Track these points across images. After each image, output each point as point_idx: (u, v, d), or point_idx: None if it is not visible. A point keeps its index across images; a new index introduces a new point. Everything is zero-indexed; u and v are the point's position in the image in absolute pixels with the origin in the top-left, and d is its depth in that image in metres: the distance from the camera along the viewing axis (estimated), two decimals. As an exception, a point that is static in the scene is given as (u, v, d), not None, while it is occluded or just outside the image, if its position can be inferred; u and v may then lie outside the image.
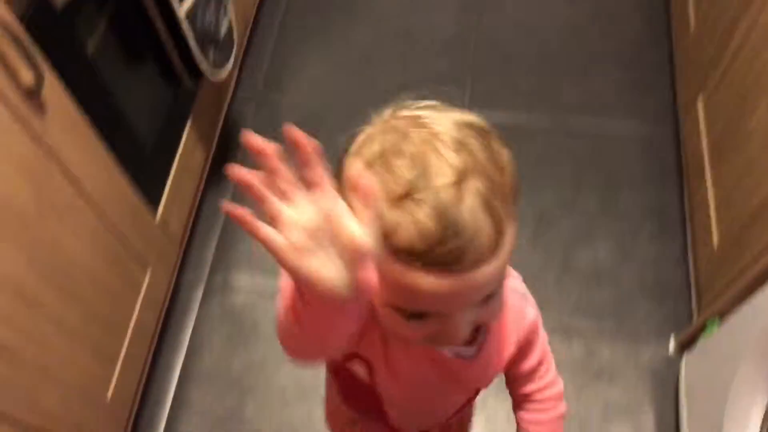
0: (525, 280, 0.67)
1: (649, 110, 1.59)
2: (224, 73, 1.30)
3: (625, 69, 1.66)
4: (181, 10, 1.10)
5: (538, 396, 0.71)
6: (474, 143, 0.46)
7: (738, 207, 1.09)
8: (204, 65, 1.21)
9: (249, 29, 1.69)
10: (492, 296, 0.50)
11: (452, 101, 0.52)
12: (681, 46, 1.51)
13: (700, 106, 1.31)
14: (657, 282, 1.36)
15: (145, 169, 1.15)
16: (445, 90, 0.52)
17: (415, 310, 0.49)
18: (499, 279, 0.49)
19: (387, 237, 0.44)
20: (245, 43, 1.66)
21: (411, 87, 0.53)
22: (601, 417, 1.23)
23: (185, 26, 1.12)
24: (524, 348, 0.66)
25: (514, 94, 1.63)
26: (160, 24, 1.14)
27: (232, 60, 1.32)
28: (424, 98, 0.51)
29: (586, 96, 1.62)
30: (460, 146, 0.45)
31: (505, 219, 0.46)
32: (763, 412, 0.81)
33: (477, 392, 0.70)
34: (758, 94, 1.04)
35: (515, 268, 0.58)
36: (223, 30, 1.27)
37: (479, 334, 0.59)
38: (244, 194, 0.41)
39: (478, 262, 0.45)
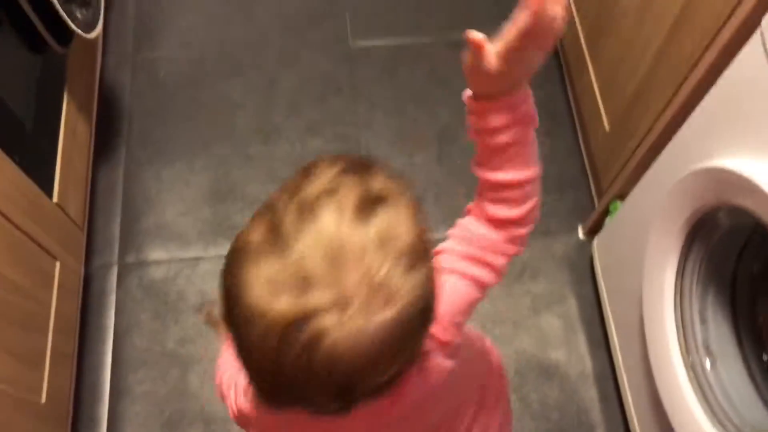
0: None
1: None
2: (96, 31, 1.20)
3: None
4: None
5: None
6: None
7: (621, 88, 1.16)
8: (72, 25, 1.11)
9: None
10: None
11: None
12: None
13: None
14: (557, 176, 1.43)
15: (31, 151, 1.07)
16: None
17: None
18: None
19: None
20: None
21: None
22: (530, 311, 1.31)
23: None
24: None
25: (395, 18, 1.62)
26: None
27: (101, 18, 1.23)
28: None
29: (464, 8, 1.63)
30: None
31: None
32: (675, 271, 0.89)
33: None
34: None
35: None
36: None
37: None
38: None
39: None
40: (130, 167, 1.44)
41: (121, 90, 1.51)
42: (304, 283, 0.43)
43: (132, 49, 1.58)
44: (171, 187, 1.42)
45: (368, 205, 0.45)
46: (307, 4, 1.64)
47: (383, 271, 0.44)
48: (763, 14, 0.71)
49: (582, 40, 1.32)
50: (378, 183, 0.47)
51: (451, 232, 0.60)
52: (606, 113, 1.24)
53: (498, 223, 0.58)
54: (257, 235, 0.46)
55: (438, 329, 0.54)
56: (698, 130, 0.87)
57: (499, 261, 0.59)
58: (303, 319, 0.42)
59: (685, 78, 0.93)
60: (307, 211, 0.45)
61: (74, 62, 1.27)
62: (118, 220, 1.39)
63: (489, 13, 1.55)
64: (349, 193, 0.45)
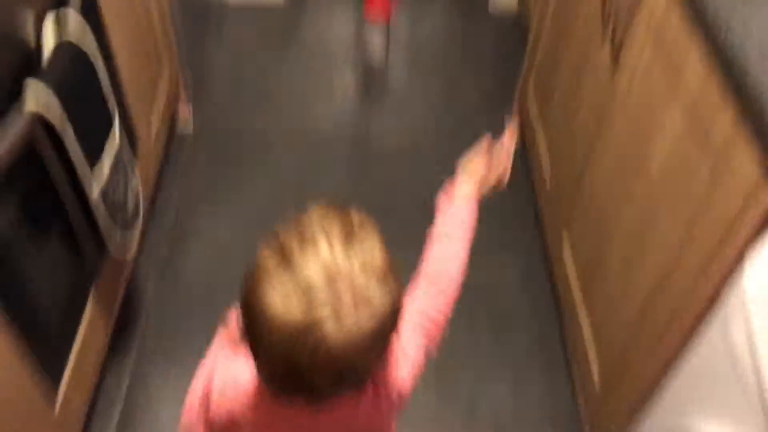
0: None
1: (522, 249, 1.79)
2: (132, 250, 1.34)
3: (489, 212, 1.87)
4: (94, 192, 1.16)
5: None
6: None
7: (610, 341, 1.23)
8: (112, 244, 1.25)
9: (149, 195, 1.75)
10: None
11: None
12: (541, 194, 1.74)
13: (566, 245, 1.50)
14: (551, 420, 1.47)
15: (45, 352, 1.11)
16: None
17: None
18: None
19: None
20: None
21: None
22: None
23: (96, 207, 1.17)
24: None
25: (399, 246, 1.78)
26: (70, 204, 1.15)
27: (137, 235, 1.38)
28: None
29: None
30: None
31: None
32: None
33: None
34: (611, 231, 1.24)
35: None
36: (131, 206, 1.33)
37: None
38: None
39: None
40: (137, 374, 1.49)
41: (143, 293, 1.62)
42: (309, 299, 0.59)
43: (164, 261, 1.71)
44: (175, 395, 1.47)
45: (350, 234, 0.63)
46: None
47: (367, 290, 0.61)
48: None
49: (574, 288, 1.44)
50: (355, 218, 0.66)
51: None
52: (596, 362, 1.30)
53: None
54: (271, 261, 0.62)
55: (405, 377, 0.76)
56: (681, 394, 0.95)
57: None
58: (310, 327, 0.59)
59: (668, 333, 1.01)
60: (308, 241, 0.62)
61: (107, 271, 1.35)
62: (115, 422, 1.41)
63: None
64: (335, 226, 0.63)
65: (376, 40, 2.31)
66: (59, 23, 1.06)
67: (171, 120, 1.95)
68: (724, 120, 0.85)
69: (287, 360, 0.60)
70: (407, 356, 0.78)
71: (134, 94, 1.53)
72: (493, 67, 2.36)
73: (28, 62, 1.02)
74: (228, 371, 0.79)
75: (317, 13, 2.55)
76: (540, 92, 1.78)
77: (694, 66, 0.93)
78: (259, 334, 0.62)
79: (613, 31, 1.21)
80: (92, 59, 1.14)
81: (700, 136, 0.91)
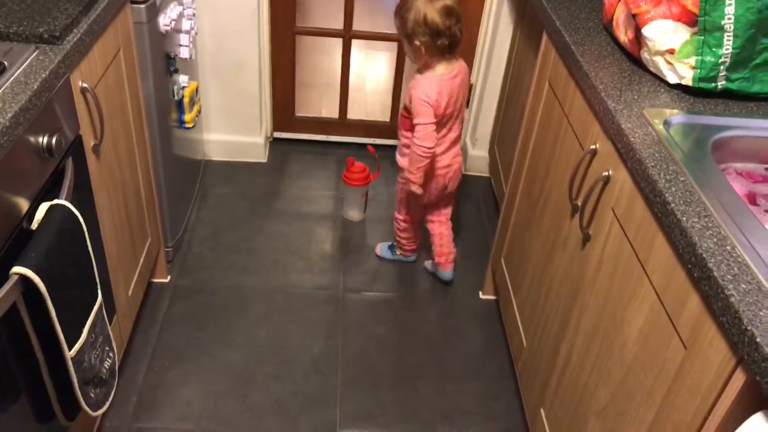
0: None
1: (501, 417, 1.77)
2: (103, 408, 1.32)
3: (474, 379, 1.87)
4: (70, 352, 1.15)
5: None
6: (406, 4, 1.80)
7: None
8: (85, 405, 1.22)
9: (122, 352, 1.73)
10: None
11: None
12: (518, 360, 1.75)
13: (543, 417, 1.50)
14: None
15: None
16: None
17: None
18: (399, 34, 1.87)
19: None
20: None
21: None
22: None
23: (71, 368, 1.16)
24: (411, 106, 1.84)
25: (382, 412, 1.76)
26: (43, 364, 1.16)
27: (111, 396, 1.35)
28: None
29: (447, 407, 1.78)
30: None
31: (397, 16, 1.85)
32: None
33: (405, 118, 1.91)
34: (585, 413, 1.25)
35: None
36: (107, 366, 1.32)
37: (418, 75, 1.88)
38: None
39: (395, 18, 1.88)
40: None
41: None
42: (445, 11, 1.76)
43: (131, 418, 1.68)
44: None
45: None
46: (304, 390, 1.80)
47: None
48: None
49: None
50: None
51: None
52: None
53: None
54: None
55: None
56: None
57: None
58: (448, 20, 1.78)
59: None
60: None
61: (76, 421, 1.33)
62: None
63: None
64: None
65: (353, 201, 2.41)
66: (51, 210, 1.11)
67: (150, 275, 1.97)
68: (692, 301, 0.90)
69: (442, 27, 1.75)
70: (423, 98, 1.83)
71: (117, 261, 1.58)
72: (467, 229, 2.46)
73: (18, 235, 1.05)
74: (421, 89, 1.82)
75: (298, 170, 2.68)
76: (512, 262, 1.86)
77: (661, 247, 0.99)
78: (430, 28, 1.75)
79: (582, 208, 1.29)
80: (80, 234, 1.19)
81: (673, 314, 0.95)
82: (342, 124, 2.83)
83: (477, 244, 2.38)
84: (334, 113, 2.83)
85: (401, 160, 1.99)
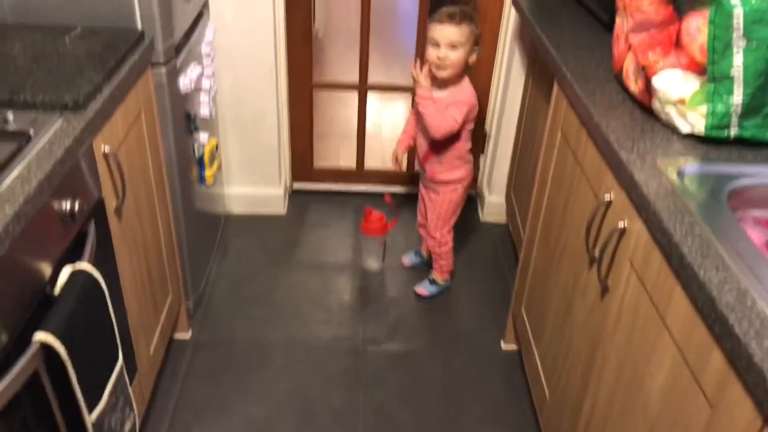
0: None
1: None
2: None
3: (497, 426, 1.84)
4: (91, 417, 1.16)
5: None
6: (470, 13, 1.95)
7: None
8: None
9: (144, 409, 1.73)
10: (454, 48, 1.91)
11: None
12: (542, 412, 1.72)
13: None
14: None
15: None
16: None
17: (432, 40, 1.93)
18: (457, 41, 1.91)
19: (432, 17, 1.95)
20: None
21: None
22: None
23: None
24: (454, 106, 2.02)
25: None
26: (63, 428, 1.17)
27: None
28: None
29: None
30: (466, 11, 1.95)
31: (466, 23, 1.92)
32: None
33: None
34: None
35: None
36: (128, 428, 1.32)
37: (450, 90, 2.01)
38: None
39: (453, 24, 1.90)
40: None
41: None
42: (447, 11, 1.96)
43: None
44: None
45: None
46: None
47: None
48: None
49: None
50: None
51: None
52: None
53: None
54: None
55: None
56: None
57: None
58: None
59: None
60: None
61: None
62: None
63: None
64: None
65: (372, 250, 2.42)
66: (73, 275, 1.13)
67: (171, 331, 1.98)
68: (715, 358, 0.88)
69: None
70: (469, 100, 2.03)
71: (139, 320, 1.60)
72: (486, 276, 2.45)
73: (41, 301, 1.07)
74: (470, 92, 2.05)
75: (317, 220, 2.70)
76: (533, 311, 1.84)
77: (680, 301, 0.98)
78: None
79: (599, 258, 1.29)
80: (101, 298, 1.21)
81: (696, 370, 0.93)
82: (359, 173, 2.86)
83: (497, 292, 2.36)
84: (351, 163, 2.87)
85: (448, 175, 2.13)
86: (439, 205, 2.19)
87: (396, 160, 2.23)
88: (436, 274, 2.33)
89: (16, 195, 0.99)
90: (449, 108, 1.98)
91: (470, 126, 2.07)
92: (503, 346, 2.14)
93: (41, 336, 0.99)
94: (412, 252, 2.49)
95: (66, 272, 1.12)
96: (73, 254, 1.19)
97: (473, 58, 1.98)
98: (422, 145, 2.13)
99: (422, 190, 2.29)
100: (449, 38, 1.90)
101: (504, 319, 2.17)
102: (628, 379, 1.16)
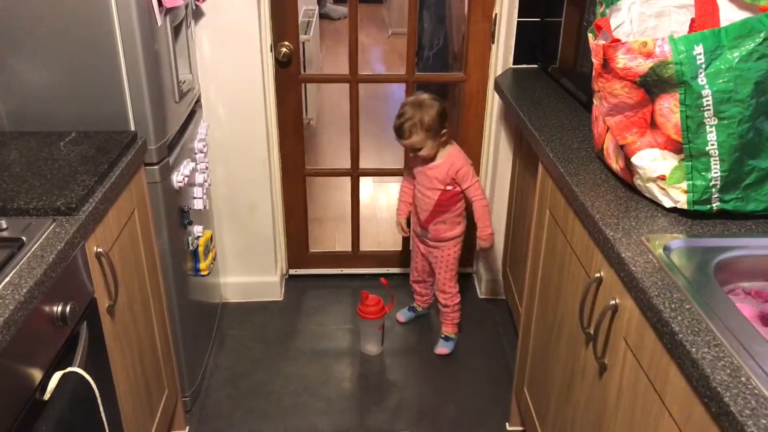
0: None
1: None
2: None
3: None
4: None
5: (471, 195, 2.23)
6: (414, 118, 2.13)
7: None
8: None
9: None
10: (419, 149, 2.16)
11: None
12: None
13: None
14: None
15: None
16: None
17: (407, 145, 2.20)
18: (416, 145, 2.15)
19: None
20: None
21: None
22: None
23: None
24: (458, 179, 2.20)
25: None
26: None
27: None
28: None
29: None
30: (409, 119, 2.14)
31: (414, 133, 2.13)
32: None
33: (442, 192, 2.22)
34: None
35: None
36: None
37: (439, 160, 2.20)
38: None
39: (404, 139, 2.15)
40: None
41: None
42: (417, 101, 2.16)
43: None
44: None
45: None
46: None
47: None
48: None
49: None
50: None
51: None
52: None
53: None
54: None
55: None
56: None
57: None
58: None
59: None
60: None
61: None
62: None
63: None
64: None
65: (370, 335, 2.40)
66: (64, 379, 1.12)
67: (168, 428, 1.93)
68: (715, 437, 0.86)
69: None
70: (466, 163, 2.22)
71: (133, 420, 1.57)
72: (487, 354, 2.42)
73: (31, 407, 1.05)
74: (462, 157, 2.25)
75: (314, 306, 2.69)
76: (535, 390, 1.81)
77: (676, 379, 0.97)
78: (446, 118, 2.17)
79: (594, 336, 1.28)
80: (93, 402, 1.19)
81: (697, 452, 0.91)
82: (355, 256, 2.87)
83: (499, 371, 2.32)
84: (347, 246, 2.88)
85: (452, 233, 2.29)
86: (446, 261, 2.34)
87: (402, 228, 2.42)
88: (448, 330, 2.44)
89: (7, 302, 0.99)
90: (467, 188, 2.22)
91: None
92: (509, 427, 2.09)
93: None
94: (405, 309, 2.59)
95: (56, 377, 1.11)
96: (64, 357, 1.18)
97: (443, 137, 2.17)
98: (424, 210, 2.27)
99: (420, 248, 2.39)
100: (409, 146, 2.18)
101: (508, 399, 2.12)
102: (633, 461, 1.13)
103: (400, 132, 2.14)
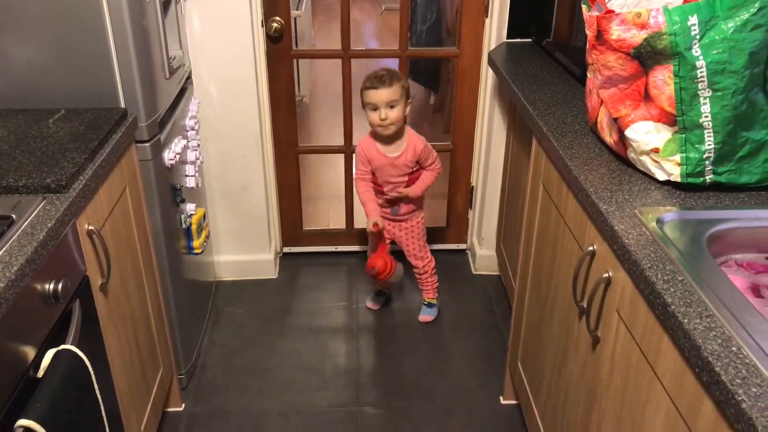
0: None
1: None
2: None
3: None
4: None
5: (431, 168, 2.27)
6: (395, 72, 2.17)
7: None
8: None
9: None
10: (392, 106, 2.11)
11: None
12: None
13: None
14: None
15: None
16: None
17: (371, 105, 2.12)
18: (393, 100, 2.10)
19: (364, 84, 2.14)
20: None
21: None
22: None
23: None
24: (422, 159, 2.22)
25: None
26: None
27: None
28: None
29: None
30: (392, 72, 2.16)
31: (396, 82, 2.11)
32: None
33: (409, 175, 2.25)
34: None
35: None
36: None
37: (401, 146, 2.21)
38: None
39: (385, 87, 2.09)
40: None
41: None
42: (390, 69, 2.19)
43: None
44: None
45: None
46: None
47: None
48: None
49: None
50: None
51: None
52: None
53: None
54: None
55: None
56: None
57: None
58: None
59: None
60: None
61: None
62: None
63: None
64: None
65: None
66: (57, 356, 1.12)
67: (163, 405, 1.94)
68: (706, 407, 0.87)
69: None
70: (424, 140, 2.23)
71: (128, 397, 1.57)
72: (482, 330, 2.43)
73: (25, 385, 1.06)
74: (362, 143, 2.22)
75: (309, 284, 2.69)
76: (529, 365, 1.82)
77: (668, 350, 0.97)
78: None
79: (588, 309, 1.28)
80: (87, 379, 1.19)
81: (689, 420, 0.92)
82: (349, 234, 2.87)
83: (493, 346, 2.34)
84: (341, 224, 2.88)
85: (417, 203, 2.33)
86: (417, 231, 2.38)
87: (377, 226, 2.23)
88: (430, 296, 2.48)
89: (-2, 280, 0.99)
90: (428, 165, 2.25)
91: None
92: (503, 401, 2.10)
93: (24, 423, 0.98)
94: (373, 295, 2.58)
95: (50, 355, 1.11)
96: (58, 335, 1.18)
97: (407, 109, 2.17)
98: (394, 193, 2.27)
99: (388, 229, 2.35)
100: (385, 99, 2.09)
101: (502, 374, 2.14)
102: (627, 431, 1.14)
103: (381, 80, 2.09)
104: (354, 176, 2.37)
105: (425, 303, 2.49)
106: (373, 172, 2.26)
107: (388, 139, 2.19)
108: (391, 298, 2.60)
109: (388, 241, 2.36)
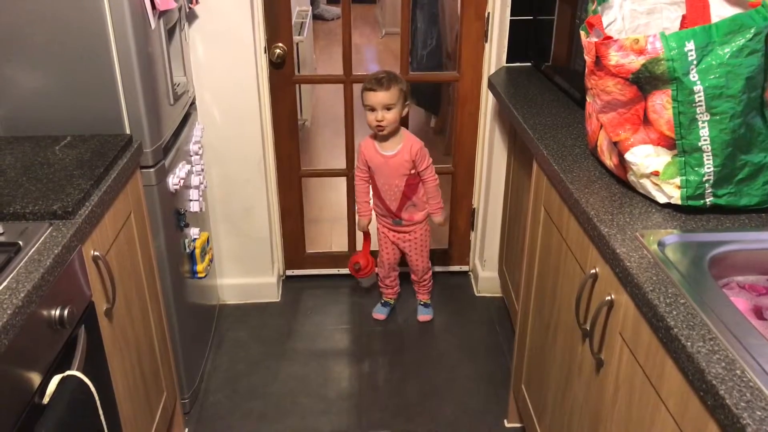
0: None
1: None
2: None
3: None
4: None
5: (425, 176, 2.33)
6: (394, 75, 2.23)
7: None
8: None
9: None
10: (389, 108, 2.19)
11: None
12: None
13: None
14: None
15: None
16: None
17: (369, 106, 2.20)
18: (390, 103, 2.18)
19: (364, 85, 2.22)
20: None
21: None
22: None
23: None
24: (417, 160, 2.26)
25: None
26: None
27: None
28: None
29: None
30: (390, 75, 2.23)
31: (394, 85, 2.18)
32: None
33: (407, 179, 2.32)
34: None
35: None
36: None
37: (397, 145, 2.28)
38: None
39: (383, 89, 2.16)
40: None
41: None
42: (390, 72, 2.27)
43: None
44: None
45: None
46: None
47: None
48: None
49: None
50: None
51: None
52: None
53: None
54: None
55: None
56: None
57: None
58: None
59: None
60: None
61: None
62: None
63: None
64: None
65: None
66: (63, 382, 1.13)
67: (167, 430, 1.93)
68: (711, 430, 0.87)
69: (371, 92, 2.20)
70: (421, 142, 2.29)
71: (132, 423, 1.57)
72: (485, 352, 2.42)
73: (30, 411, 1.06)
74: (362, 143, 2.32)
75: (311, 307, 2.69)
76: (533, 387, 1.82)
77: (672, 373, 0.98)
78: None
79: (591, 332, 1.29)
80: (92, 404, 1.19)
81: (694, 445, 0.92)
82: (352, 256, 2.87)
83: (497, 369, 2.33)
84: (343, 246, 2.89)
85: (422, 214, 2.41)
86: (420, 241, 2.47)
87: (366, 229, 2.47)
88: (425, 297, 2.62)
89: (5, 307, 1.00)
90: (422, 170, 2.32)
91: None
92: (507, 424, 2.09)
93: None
94: (379, 305, 2.64)
95: (55, 381, 1.11)
96: (63, 360, 1.19)
97: (405, 111, 2.26)
98: (394, 200, 2.36)
99: (390, 238, 2.49)
100: (382, 102, 2.18)
101: (506, 397, 2.13)
102: (631, 456, 1.13)
103: (379, 83, 2.17)
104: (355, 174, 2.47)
105: (421, 303, 2.62)
106: (372, 174, 2.34)
107: (385, 138, 2.28)
108: (395, 308, 2.64)
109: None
